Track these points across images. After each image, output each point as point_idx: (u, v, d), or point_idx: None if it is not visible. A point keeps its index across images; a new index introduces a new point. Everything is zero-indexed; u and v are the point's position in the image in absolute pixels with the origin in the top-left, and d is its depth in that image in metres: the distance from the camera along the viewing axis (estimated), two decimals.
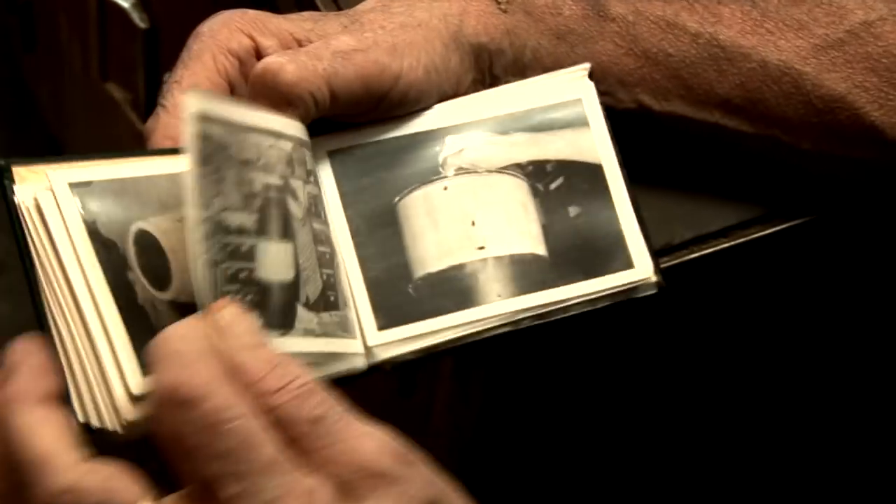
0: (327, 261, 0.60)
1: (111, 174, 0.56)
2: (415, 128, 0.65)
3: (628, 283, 0.65)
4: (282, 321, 0.56)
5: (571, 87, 0.67)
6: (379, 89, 0.62)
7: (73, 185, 0.54)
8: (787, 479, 0.90)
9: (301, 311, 0.57)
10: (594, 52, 0.68)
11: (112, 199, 0.55)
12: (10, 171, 0.54)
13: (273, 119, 0.58)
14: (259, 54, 0.62)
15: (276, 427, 0.49)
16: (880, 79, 0.68)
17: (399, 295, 0.63)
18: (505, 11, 0.67)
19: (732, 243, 0.72)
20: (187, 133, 0.52)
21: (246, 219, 0.55)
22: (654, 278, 0.65)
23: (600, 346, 0.76)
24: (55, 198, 0.54)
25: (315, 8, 0.78)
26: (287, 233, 0.57)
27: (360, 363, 0.61)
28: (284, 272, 0.57)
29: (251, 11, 0.63)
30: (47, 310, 0.54)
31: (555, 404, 0.78)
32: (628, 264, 0.65)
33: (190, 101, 0.53)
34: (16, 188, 0.54)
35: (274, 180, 0.57)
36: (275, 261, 0.56)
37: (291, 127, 0.59)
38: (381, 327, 0.62)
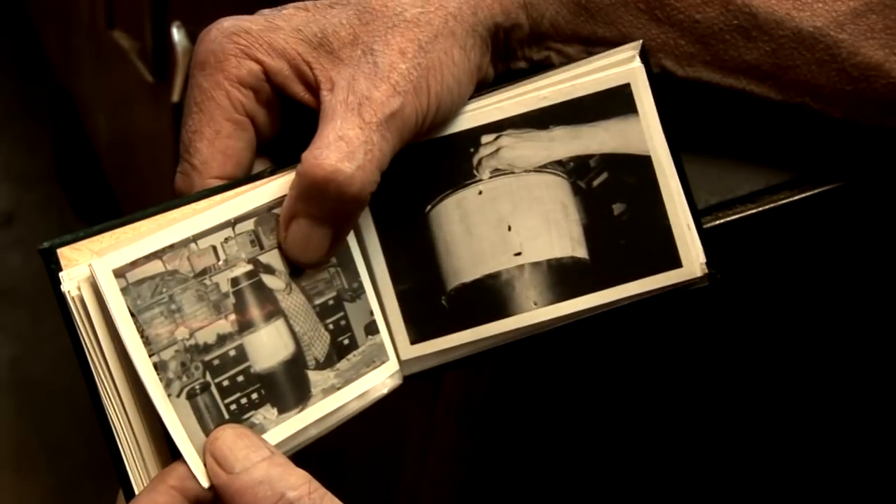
0: (331, 307, 0.59)
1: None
2: (447, 129, 0.61)
3: (674, 284, 0.62)
4: (297, 397, 0.57)
5: (618, 72, 0.61)
6: (414, 135, 0.58)
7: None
8: (803, 462, 0.87)
9: (313, 376, 0.58)
10: (615, 19, 0.63)
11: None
12: (56, 256, 0.54)
13: (224, 209, 0.56)
14: (269, 77, 0.58)
15: None
16: None
17: (431, 307, 0.61)
18: None
19: (760, 209, 0.68)
20: (107, 299, 0.53)
21: (223, 325, 0.55)
22: (702, 273, 0.62)
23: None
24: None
25: None
26: (273, 311, 0.57)
27: (396, 382, 0.62)
28: (282, 350, 0.57)
29: (252, 27, 0.58)
30: (102, 397, 0.55)
31: (566, 376, 0.77)
32: (675, 263, 0.62)
33: (95, 267, 0.53)
34: (62, 276, 0.54)
35: (241, 269, 0.56)
36: (268, 346, 0.57)
37: (249, 201, 0.57)
38: (414, 341, 0.62)
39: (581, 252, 0.61)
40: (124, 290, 0.53)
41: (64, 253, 0.54)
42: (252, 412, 0.56)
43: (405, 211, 0.61)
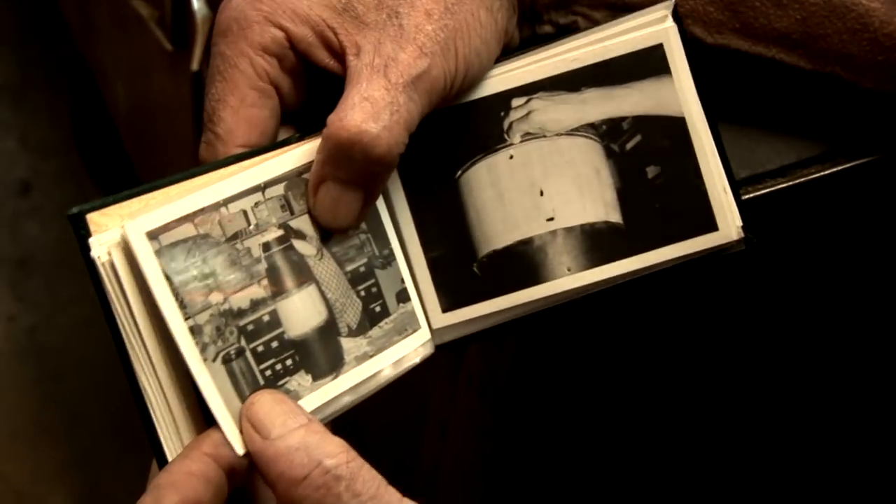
0: (362, 274, 0.58)
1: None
2: (477, 93, 0.60)
3: (710, 248, 0.61)
4: (330, 364, 0.56)
5: (651, 31, 0.60)
6: (442, 98, 0.57)
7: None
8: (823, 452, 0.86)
9: (346, 344, 0.57)
10: None
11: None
12: (86, 221, 0.52)
13: (254, 173, 0.55)
14: (293, 44, 0.57)
15: None
16: None
17: (463, 275, 0.60)
18: None
19: (790, 183, 0.67)
20: (141, 262, 0.51)
21: (255, 291, 0.54)
22: (738, 237, 0.61)
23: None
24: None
25: None
26: (305, 278, 0.56)
27: (428, 350, 0.61)
28: (315, 317, 0.56)
29: None
30: (134, 364, 0.53)
31: (589, 350, 0.76)
32: (711, 226, 0.61)
33: (130, 230, 0.51)
34: (91, 241, 0.52)
35: (272, 235, 0.55)
36: (301, 312, 0.55)
37: (278, 166, 0.56)
38: (446, 309, 0.60)
39: (615, 216, 0.60)
40: (157, 253, 0.52)
41: (93, 218, 0.52)
42: (287, 378, 0.55)
43: (435, 177, 0.60)
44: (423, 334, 0.60)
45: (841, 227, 0.74)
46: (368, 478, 0.51)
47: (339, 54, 0.57)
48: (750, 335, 0.79)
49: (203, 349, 0.52)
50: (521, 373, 0.74)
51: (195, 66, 1.11)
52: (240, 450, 0.52)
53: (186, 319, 0.52)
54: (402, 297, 0.59)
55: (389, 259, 0.59)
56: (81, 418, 1.76)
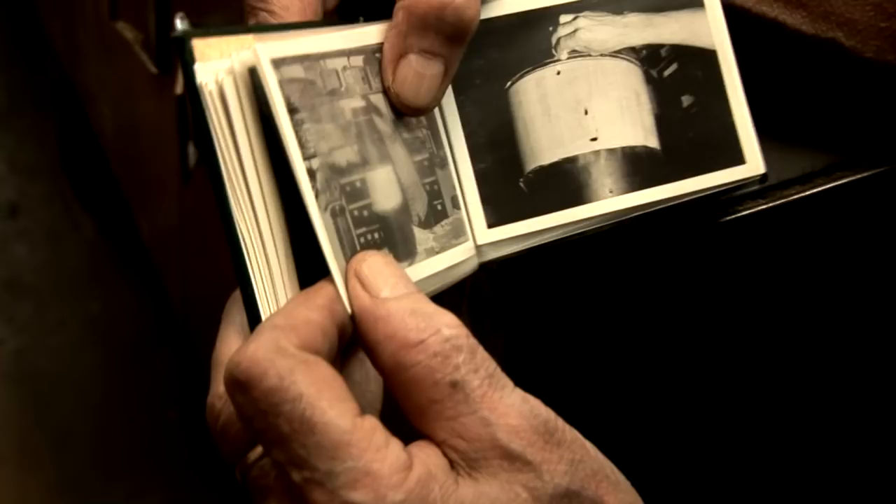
0: (426, 168, 0.56)
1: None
2: (527, 4, 0.60)
3: (741, 180, 0.62)
4: (406, 250, 0.52)
5: None
6: None
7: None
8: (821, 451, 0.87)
9: (418, 233, 0.54)
10: None
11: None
12: (191, 46, 0.48)
13: (339, 37, 0.52)
14: None
15: (413, 386, 0.46)
16: None
17: (509, 189, 0.59)
18: None
19: (794, 197, 0.69)
20: (269, 86, 0.47)
21: (350, 153, 0.50)
22: (764, 170, 0.62)
23: (632, 297, 0.72)
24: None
25: None
26: (384, 155, 0.53)
27: (472, 265, 0.59)
28: (394, 198, 0.52)
29: None
30: (232, 206, 0.48)
31: (579, 348, 0.75)
32: (740, 159, 0.62)
33: (261, 51, 0.47)
34: (197, 67, 0.48)
35: (357, 103, 0.52)
36: (383, 189, 0.52)
37: (357, 38, 0.53)
38: (491, 224, 0.59)
39: (653, 142, 0.61)
40: (280, 85, 0.47)
41: (198, 46, 0.48)
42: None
43: (485, 86, 0.59)
44: (471, 247, 0.58)
45: (848, 238, 0.75)
46: (487, 356, 0.47)
47: None
48: (748, 340, 0.79)
49: (317, 196, 0.48)
50: (512, 362, 0.73)
51: (179, 89, 1.11)
52: (350, 308, 0.48)
53: (305, 160, 0.48)
54: (456, 203, 0.58)
55: (445, 161, 0.58)
56: (69, 443, 1.73)
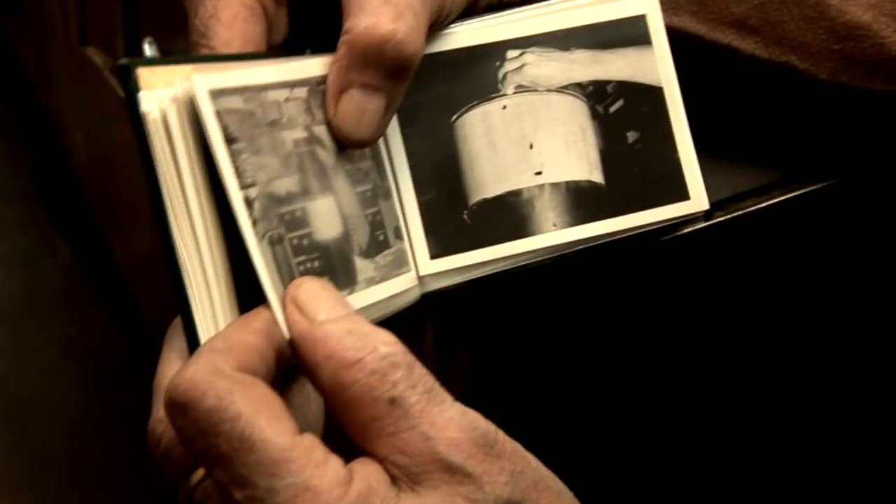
0: (369, 199, 0.56)
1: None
2: (475, 40, 0.61)
3: (685, 215, 0.63)
4: (347, 279, 0.53)
5: (636, 2, 0.63)
6: (442, 17, 0.58)
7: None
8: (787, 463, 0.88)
9: (359, 263, 0.55)
10: None
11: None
12: (135, 75, 0.49)
13: (282, 69, 0.53)
14: None
15: (353, 405, 0.46)
16: None
17: (453, 221, 0.60)
18: None
19: (747, 210, 0.70)
20: (205, 116, 0.48)
21: (290, 183, 0.51)
22: (707, 207, 0.63)
23: (595, 323, 0.73)
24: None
25: None
26: (326, 186, 0.53)
27: (414, 295, 0.59)
28: (335, 228, 0.53)
29: None
30: (174, 233, 0.49)
31: (540, 389, 0.76)
32: (685, 195, 0.63)
33: (197, 82, 0.48)
34: (141, 96, 0.49)
35: (299, 134, 0.53)
36: (324, 219, 0.53)
37: (301, 70, 0.54)
38: (434, 256, 0.60)
39: (597, 177, 0.62)
40: (218, 115, 0.48)
41: (143, 74, 0.49)
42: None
43: (431, 119, 0.60)
44: (412, 277, 0.59)
45: (799, 251, 0.76)
46: (424, 372, 0.47)
47: None
48: (716, 361, 0.79)
49: (255, 224, 0.49)
50: (476, 382, 0.74)
51: None
52: (288, 334, 0.48)
53: (242, 189, 0.48)
54: (398, 234, 0.58)
55: (389, 192, 0.58)
56: (47, 467, 1.74)
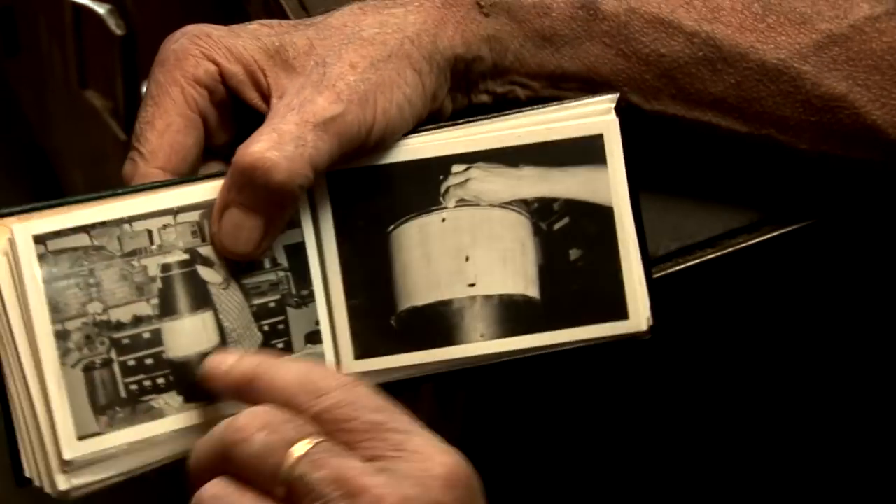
0: (271, 310, 0.60)
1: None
2: (420, 153, 0.62)
3: (620, 335, 0.64)
4: (206, 392, 0.57)
5: (593, 121, 0.63)
6: (356, 145, 0.60)
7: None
8: (774, 492, 0.88)
9: None
10: (580, 53, 0.65)
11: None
12: None
13: (166, 196, 0.58)
14: (225, 80, 0.60)
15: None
16: (883, 77, 0.65)
17: (380, 326, 0.62)
18: (487, 15, 0.63)
19: (719, 253, 0.70)
20: (21, 262, 0.54)
21: (142, 307, 0.57)
22: (647, 327, 0.64)
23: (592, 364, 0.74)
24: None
25: (283, 13, 0.74)
26: (202, 303, 0.58)
27: None
28: (204, 342, 0.58)
29: (214, 33, 0.61)
30: (4, 371, 0.56)
31: (538, 420, 0.77)
32: (623, 315, 0.63)
33: (16, 231, 0.54)
34: None
35: (175, 257, 0.57)
36: (189, 335, 0.58)
37: (199, 193, 0.59)
38: (358, 356, 0.62)
39: (533, 292, 0.63)
40: (41, 257, 0.55)
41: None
42: (153, 396, 0.57)
43: (368, 228, 0.62)
44: None
45: (772, 293, 0.76)
46: None
47: (266, 96, 0.61)
48: (683, 409, 0.81)
49: (65, 353, 0.55)
50: (470, 444, 0.75)
51: None
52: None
53: (54, 323, 0.55)
54: (314, 338, 0.61)
55: (307, 300, 0.61)
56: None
